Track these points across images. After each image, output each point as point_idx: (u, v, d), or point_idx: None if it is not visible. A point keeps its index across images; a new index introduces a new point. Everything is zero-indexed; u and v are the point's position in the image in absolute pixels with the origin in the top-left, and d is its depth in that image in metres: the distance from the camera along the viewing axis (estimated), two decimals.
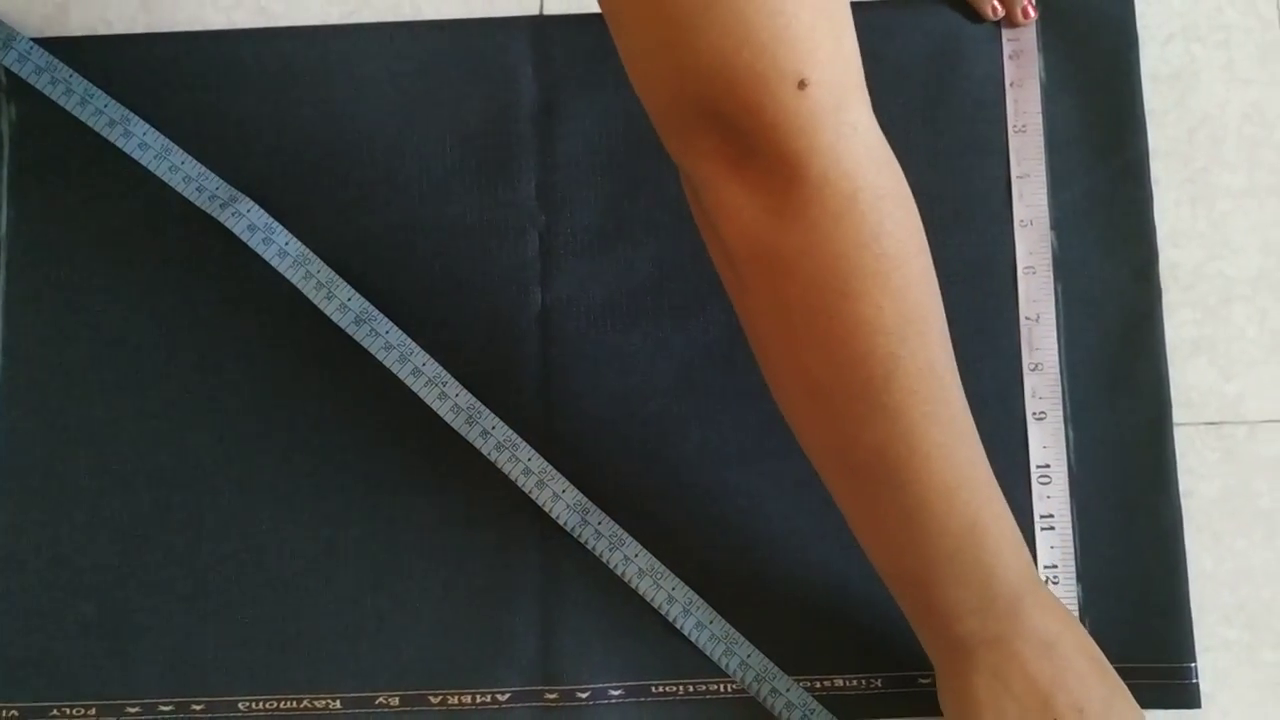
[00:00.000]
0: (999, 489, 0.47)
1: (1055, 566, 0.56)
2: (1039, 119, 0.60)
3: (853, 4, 0.60)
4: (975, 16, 0.61)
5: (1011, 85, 0.60)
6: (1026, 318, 0.58)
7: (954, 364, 0.45)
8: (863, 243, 0.40)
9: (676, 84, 0.39)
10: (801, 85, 0.38)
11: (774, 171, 0.40)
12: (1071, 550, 0.56)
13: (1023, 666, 0.46)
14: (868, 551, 0.48)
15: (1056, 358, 0.58)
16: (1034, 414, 0.58)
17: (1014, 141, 0.60)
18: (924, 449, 0.43)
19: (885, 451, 0.44)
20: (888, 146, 0.42)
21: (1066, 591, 0.56)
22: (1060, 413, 0.57)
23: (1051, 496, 0.57)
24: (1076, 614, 0.56)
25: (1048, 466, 0.57)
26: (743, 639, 0.56)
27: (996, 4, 0.60)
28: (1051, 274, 0.58)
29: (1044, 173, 0.59)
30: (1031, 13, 0.60)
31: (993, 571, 0.46)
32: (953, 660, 0.48)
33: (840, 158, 0.39)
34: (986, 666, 0.47)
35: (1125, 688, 0.48)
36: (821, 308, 0.42)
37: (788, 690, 0.56)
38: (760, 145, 0.39)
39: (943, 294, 0.58)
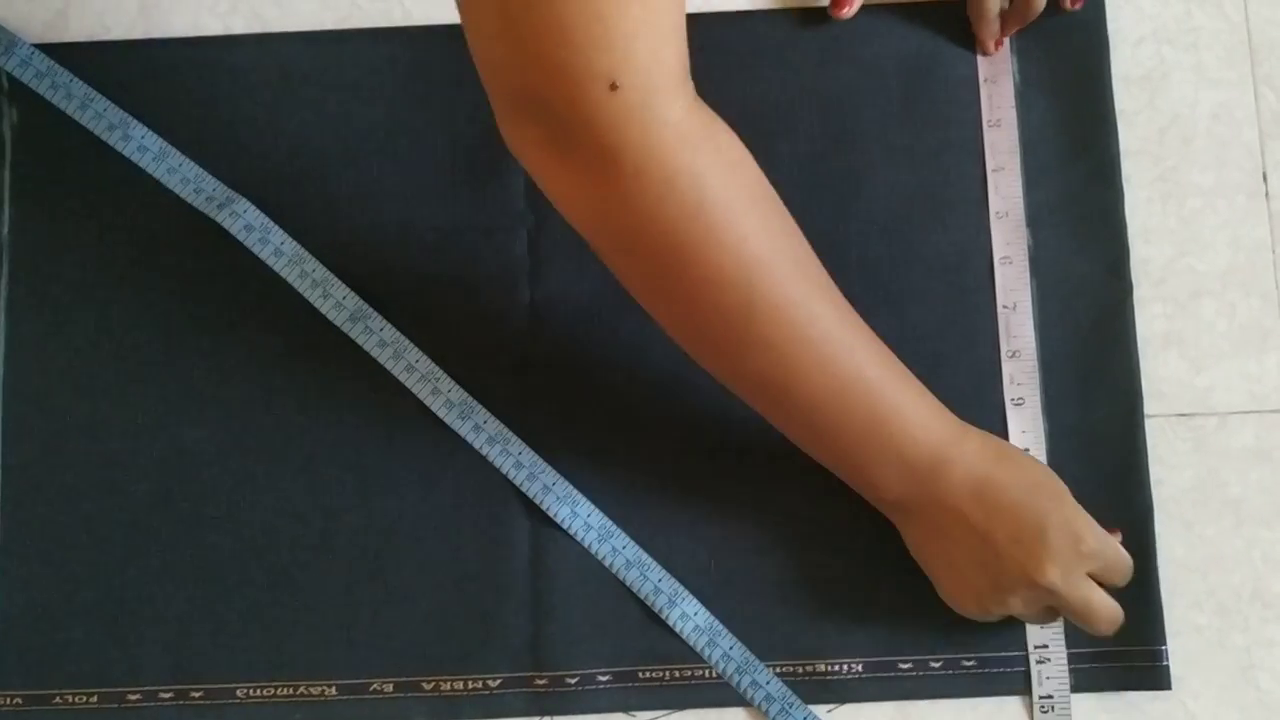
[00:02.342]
0: (899, 372, 0.51)
1: None
2: (1013, 113, 0.61)
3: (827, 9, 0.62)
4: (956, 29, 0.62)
5: (985, 81, 0.62)
6: (1004, 306, 0.60)
7: (819, 285, 0.49)
8: (688, 216, 0.44)
9: (505, 74, 0.43)
10: (613, 87, 0.41)
11: (593, 163, 0.43)
12: None
13: (958, 517, 0.51)
14: (799, 446, 0.53)
15: (1034, 345, 0.59)
16: (1012, 400, 0.59)
17: (988, 136, 0.61)
18: (801, 368, 0.49)
19: (768, 377, 0.49)
20: (711, 123, 0.45)
21: None
22: (1038, 399, 0.59)
23: None
24: None
25: (1027, 451, 0.58)
26: (726, 631, 0.58)
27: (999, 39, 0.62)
28: (1027, 264, 0.60)
29: (1018, 165, 0.61)
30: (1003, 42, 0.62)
31: (906, 448, 0.51)
32: (902, 521, 0.55)
33: (652, 149, 0.43)
34: (926, 521, 0.53)
35: (1064, 506, 0.52)
36: (667, 272, 0.47)
37: (768, 683, 0.57)
38: (579, 138, 0.43)
39: (923, 286, 0.60)
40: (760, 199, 0.47)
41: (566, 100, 0.41)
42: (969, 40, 0.62)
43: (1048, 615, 0.53)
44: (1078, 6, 0.61)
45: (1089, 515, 0.52)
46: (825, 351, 0.49)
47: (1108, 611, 0.52)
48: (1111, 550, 0.52)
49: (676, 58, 0.43)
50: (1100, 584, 0.52)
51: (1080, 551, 0.51)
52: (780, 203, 0.48)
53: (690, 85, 0.45)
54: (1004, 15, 0.61)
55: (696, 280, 0.46)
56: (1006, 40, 0.62)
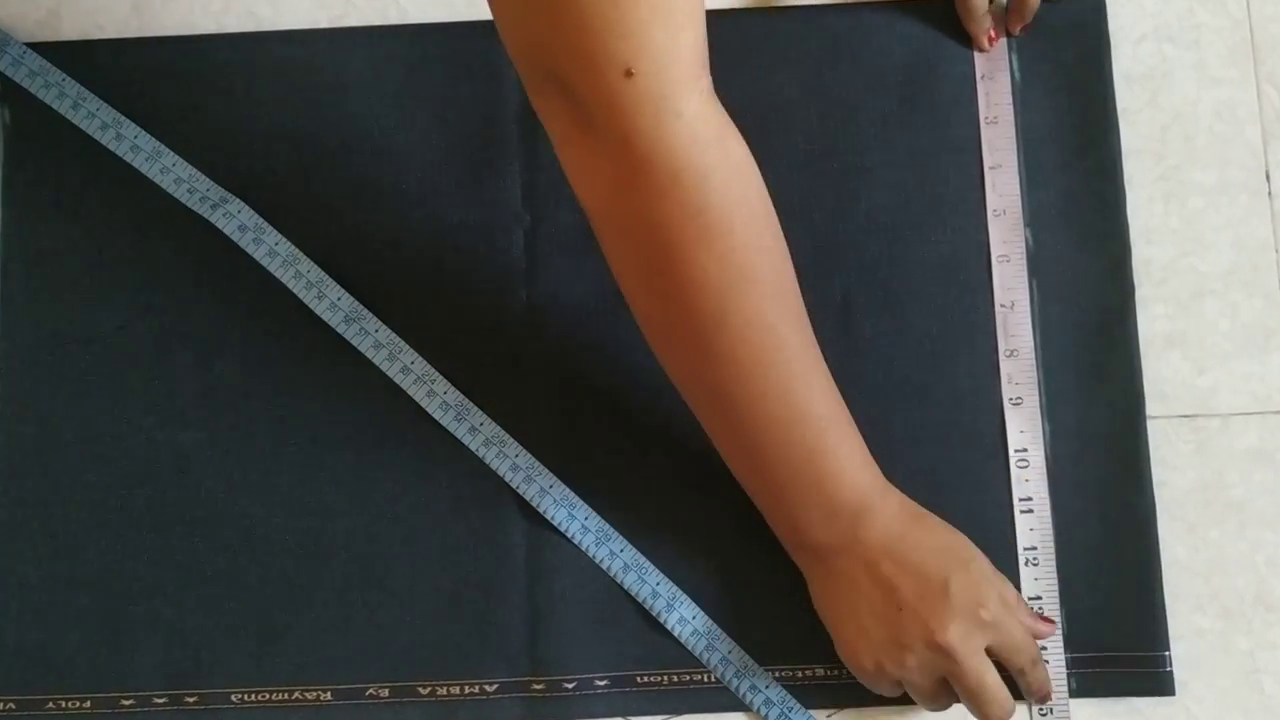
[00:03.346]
0: (842, 416, 0.52)
1: (1035, 548, 0.57)
2: (1010, 111, 0.61)
3: (830, 7, 0.62)
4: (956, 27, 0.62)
5: (983, 78, 0.61)
6: (1001, 305, 0.59)
7: (792, 313, 0.49)
8: (687, 215, 0.45)
9: (529, 53, 0.44)
10: (628, 74, 0.41)
11: (607, 144, 0.44)
12: (1050, 533, 0.57)
13: (869, 567, 0.52)
14: (731, 470, 0.54)
15: (1032, 344, 0.59)
16: (1010, 399, 0.59)
17: (986, 133, 0.61)
18: (758, 389, 0.49)
19: (723, 390, 0.49)
20: (724, 126, 0.46)
21: (1046, 573, 0.57)
22: (1036, 399, 0.58)
23: (1030, 480, 0.58)
24: (1056, 600, 0.57)
25: (1025, 451, 0.58)
26: (724, 635, 0.57)
27: (992, 34, 0.61)
28: (1025, 263, 0.60)
29: (1015, 163, 0.60)
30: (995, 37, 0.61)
31: (833, 492, 0.51)
32: (811, 566, 0.54)
33: (661, 141, 0.43)
34: (839, 571, 0.53)
35: (970, 570, 0.52)
36: (653, 265, 0.47)
37: (767, 688, 0.57)
38: (596, 119, 0.43)
39: (921, 285, 0.60)
40: (758, 213, 0.48)
41: (585, 84, 0.42)
42: (967, 38, 0.62)
43: (940, 690, 0.52)
44: None
45: (1004, 586, 0.52)
46: (783, 379, 0.49)
47: (1000, 694, 0.51)
48: (1013, 625, 0.52)
49: (693, 48, 0.43)
50: (1000, 665, 0.52)
51: (979, 617, 0.51)
52: (775, 221, 0.49)
53: (708, 80, 0.45)
54: (1006, 11, 0.61)
55: (678, 279, 0.47)
56: (1004, 38, 0.61)
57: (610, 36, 0.41)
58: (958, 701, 0.53)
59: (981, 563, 0.52)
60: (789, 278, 0.49)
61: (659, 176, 0.44)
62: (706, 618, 0.57)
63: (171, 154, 0.61)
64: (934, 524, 0.53)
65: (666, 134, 0.43)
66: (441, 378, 0.59)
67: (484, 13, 0.45)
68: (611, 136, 0.43)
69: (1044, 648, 0.56)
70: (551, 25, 0.41)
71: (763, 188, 0.48)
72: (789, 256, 0.49)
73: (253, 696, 0.57)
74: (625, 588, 0.58)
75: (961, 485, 0.58)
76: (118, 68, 0.62)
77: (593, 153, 0.45)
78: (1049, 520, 0.58)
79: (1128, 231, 0.60)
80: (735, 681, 0.57)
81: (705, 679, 0.57)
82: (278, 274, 0.60)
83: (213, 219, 0.60)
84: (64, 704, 0.58)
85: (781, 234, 0.49)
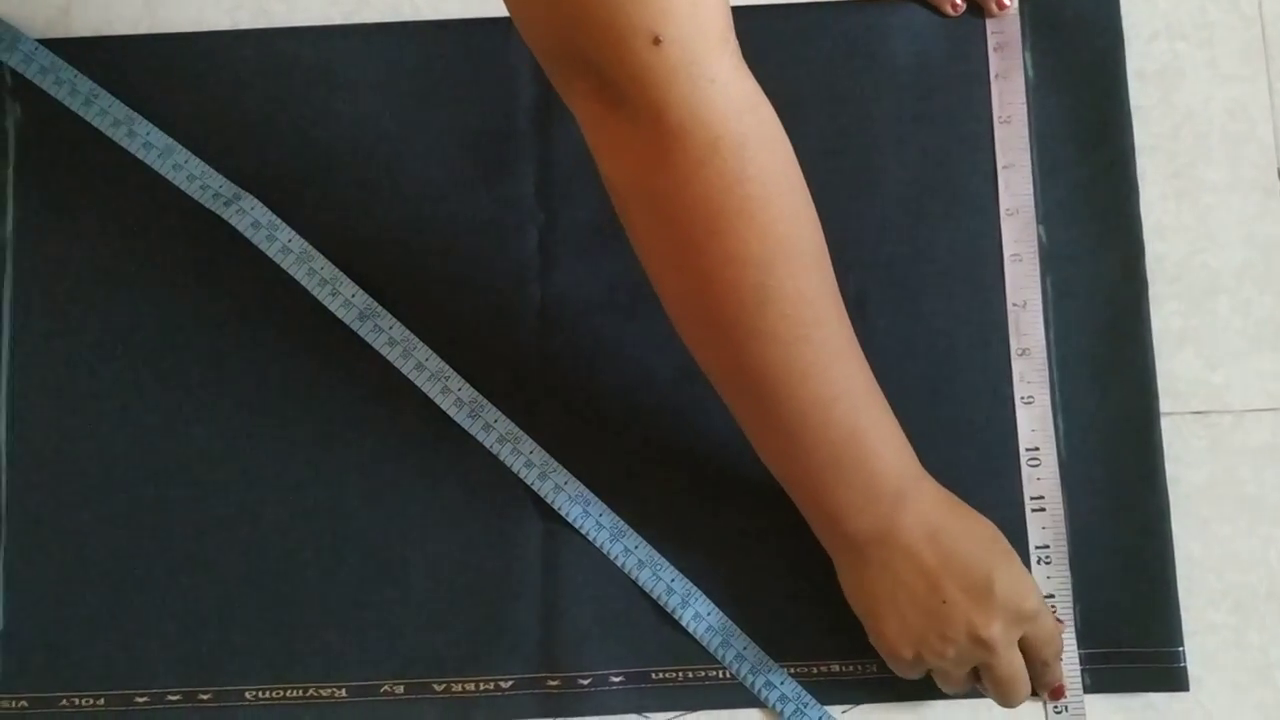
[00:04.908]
0: (879, 397, 0.51)
1: (1047, 547, 0.57)
2: (1024, 110, 0.61)
3: (845, 4, 0.62)
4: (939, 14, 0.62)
5: (996, 77, 0.61)
6: (1014, 304, 0.59)
7: (829, 287, 0.48)
8: (726, 186, 0.44)
9: (548, 32, 0.43)
10: (656, 42, 0.40)
11: (640, 119, 0.43)
12: (1063, 531, 0.57)
13: (910, 557, 0.50)
14: (763, 460, 0.52)
15: (1044, 343, 0.59)
16: (1022, 398, 0.59)
17: (999, 132, 0.61)
18: (799, 368, 0.47)
19: (764, 371, 0.48)
20: (756, 94, 0.45)
21: (1059, 571, 0.57)
22: (1049, 397, 0.59)
23: (1042, 479, 0.58)
24: (1069, 598, 0.57)
25: (1037, 449, 0.58)
26: (739, 631, 0.57)
27: (957, 0, 0.61)
28: (1038, 262, 0.60)
29: (1029, 162, 0.60)
30: (1006, 2, 0.61)
31: (874, 473, 0.50)
32: (848, 556, 0.53)
33: (697, 109, 0.42)
34: (877, 560, 0.51)
35: (1012, 564, 0.52)
36: (691, 242, 0.45)
37: (782, 684, 0.57)
38: (626, 94, 0.42)
39: (934, 284, 0.60)
40: (795, 184, 0.46)
41: (611, 57, 0.41)
42: (981, 36, 0.62)
43: (967, 680, 0.53)
44: None
45: (1032, 579, 0.52)
46: (825, 355, 0.48)
47: (1026, 686, 0.52)
48: (1049, 617, 0.52)
49: (719, 10, 0.42)
50: (1025, 655, 0.52)
51: (1022, 611, 0.51)
52: (807, 191, 0.47)
53: (735, 44, 0.44)
54: None
55: (718, 255, 0.45)
56: (1019, 35, 0.61)
57: (633, 5, 0.40)
58: (976, 686, 0.53)
59: (1015, 555, 0.52)
60: (825, 251, 0.48)
61: (696, 146, 0.43)
62: (721, 614, 0.57)
63: (184, 150, 0.61)
64: (970, 513, 0.53)
65: (702, 100, 0.42)
66: (455, 374, 0.59)
67: (499, 9, 0.44)
68: (644, 109, 0.42)
69: None
70: (572, 1, 0.40)
71: (794, 158, 0.46)
72: (821, 228, 0.48)
73: (267, 694, 0.57)
74: (639, 584, 0.58)
75: (973, 484, 0.57)
76: (130, 64, 0.62)
77: (625, 130, 0.43)
78: (1062, 518, 0.58)
79: (1140, 228, 0.60)
80: (750, 677, 0.57)
81: (720, 675, 0.57)
82: (291, 271, 0.60)
83: (226, 216, 0.60)
84: (77, 701, 0.57)
85: (813, 204, 0.48)
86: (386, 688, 0.57)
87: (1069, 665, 0.56)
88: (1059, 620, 0.54)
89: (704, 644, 0.57)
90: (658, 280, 0.49)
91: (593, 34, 0.41)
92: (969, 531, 0.51)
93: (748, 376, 0.49)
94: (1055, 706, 0.56)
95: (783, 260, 0.46)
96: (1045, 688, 0.54)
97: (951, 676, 0.52)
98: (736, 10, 0.61)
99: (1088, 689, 0.57)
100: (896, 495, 0.50)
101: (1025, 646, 0.52)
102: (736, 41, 0.44)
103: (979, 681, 0.53)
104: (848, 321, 0.49)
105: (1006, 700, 0.52)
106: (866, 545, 0.51)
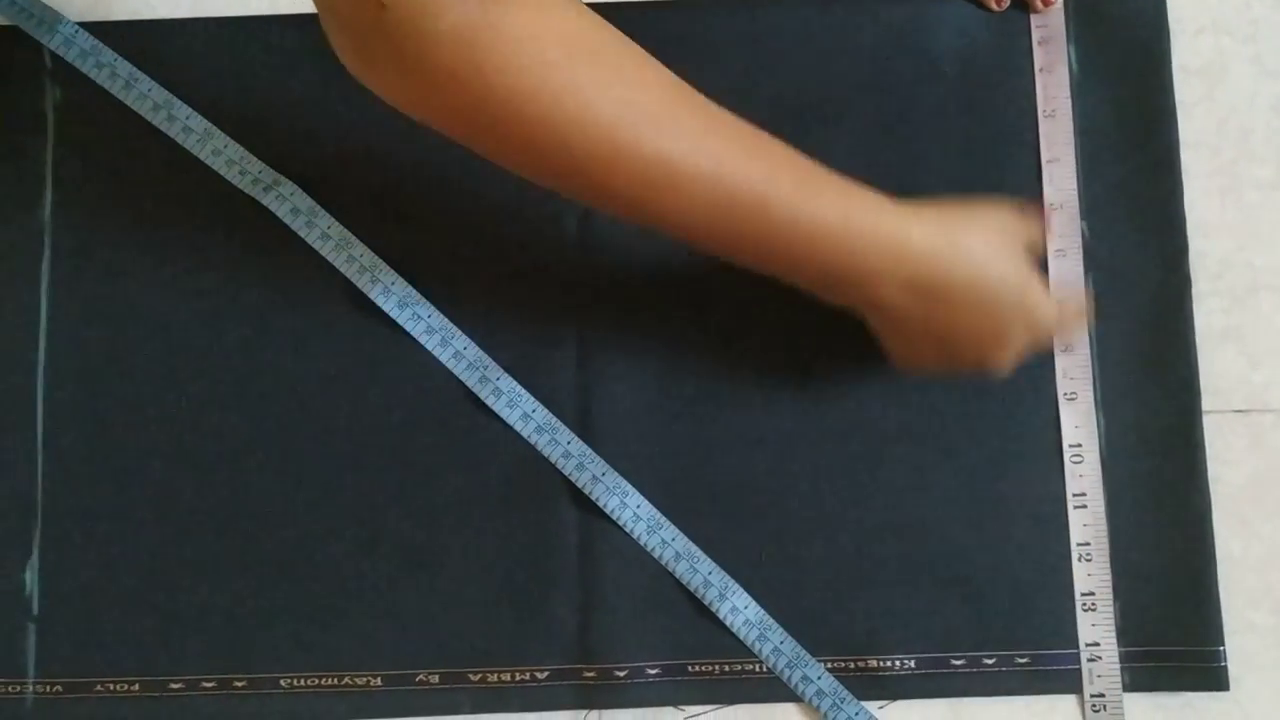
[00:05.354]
0: (802, 189, 0.48)
1: (1088, 544, 0.57)
2: (1068, 104, 0.60)
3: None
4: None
5: (1041, 71, 0.61)
6: (1057, 300, 0.59)
7: (673, 106, 0.46)
8: (474, 106, 0.45)
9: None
10: (380, 6, 0.42)
11: (389, 67, 0.44)
12: (1104, 529, 0.57)
13: (914, 323, 0.51)
14: (738, 262, 0.50)
15: (1087, 339, 0.59)
16: (1065, 395, 0.58)
17: (1044, 126, 0.61)
18: (694, 198, 0.46)
19: (666, 216, 0.47)
20: (493, 13, 0.43)
21: (1099, 569, 0.57)
22: (1091, 395, 0.58)
23: (1084, 475, 0.58)
24: (1109, 596, 0.57)
25: (1079, 446, 0.58)
26: (776, 625, 0.57)
27: None
28: (1081, 257, 0.59)
29: (1073, 157, 0.60)
30: None
31: (826, 264, 0.49)
32: (856, 305, 0.52)
33: (426, 55, 0.43)
34: (881, 320, 0.52)
35: (1024, 287, 0.51)
36: (485, 149, 0.47)
37: (819, 678, 0.56)
38: (373, 47, 0.44)
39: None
40: (561, 59, 0.45)
41: (349, 16, 0.44)
42: (1025, 29, 0.61)
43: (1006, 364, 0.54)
44: None
45: (1043, 290, 0.52)
46: (707, 166, 0.46)
47: (1069, 315, 0.56)
48: (1049, 310, 0.52)
49: None
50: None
51: (1036, 340, 0.52)
52: (628, 50, 0.46)
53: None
54: None
55: (516, 151, 0.47)
56: (1064, 29, 0.61)
57: None
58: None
59: (1025, 267, 0.51)
60: (651, 81, 0.46)
61: (437, 85, 0.44)
62: (758, 607, 0.57)
63: (223, 136, 0.60)
64: (971, 244, 0.50)
65: (428, 49, 0.43)
66: (493, 363, 0.59)
67: None
68: (388, 60, 0.44)
69: (1098, 643, 0.56)
70: None
71: (565, 27, 0.45)
72: (638, 56, 0.46)
73: (302, 682, 0.57)
74: (677, 576, 0.57)
75: (1015, 480, 0.58)
76: (170, 48, 0.61)
77: (381, 74, 0.45)
78: (1103, 516, 0.57)
79: (1184, 225, 0.60)
80: (787, 672, 0.57)
81: (757, 669, 0.57)
82: (330, 258, 0.59)
83: (265, 201, 0.60)
84: (112, 687, 0.57)
85: (616, 45, 0.46)
86: (421, 677, 0.57)
87: (1108, 664, 0.56)
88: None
89: (741, 637, 0.57)
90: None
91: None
92: (974, 277, 0.50)
93: (661, 224, 0.48)
94: (1094, 705, 0.56)
95: (585, 131, 0.45)
96: None
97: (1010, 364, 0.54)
98: (781, 4, 0.61)
99: (1127, 687, 0.56)
100: (870, 274, 0.49)
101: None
102: None
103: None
104: (720, 127, 0.47)
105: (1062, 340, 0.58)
106: (862, 309, 0.52)
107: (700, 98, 0.47)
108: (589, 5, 0.46)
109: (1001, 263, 0.51)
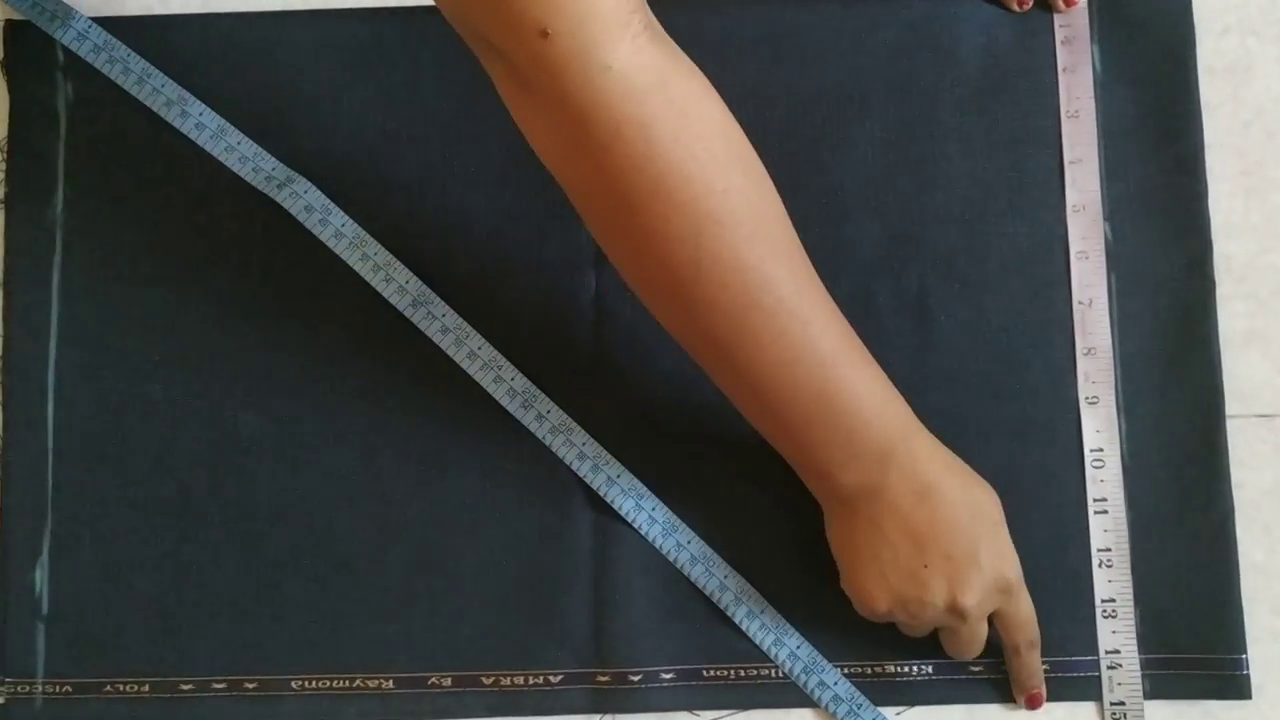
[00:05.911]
0: (855, 353, 0.49)
1: (1109, 550, 0.56)
2: (1092, 104, 0.60)
3: None
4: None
5: (1064, 71, 0.60)
6: (1079, 302, 0.58)
7: (779, 250, 0.47)
8: (635, 167, 0.44)
9: (458, 18, 0.44)
10: (543, 35, 0.41)
11: (547, 104, 0.43)
12: (1125, 535, 0.56)
13: (897, 516, 0.50)
14: (750, 420, 0.52)
15: (1110, 342, 0.58)
16: (1087, 398, 0.58)
17: (1066, 127, 0.60)
18: (750, 333, 0.47)
19: (713, 337, 0.48)
20: (668, 67, 0.44)
21: (1120, 575, 0.56)
22: (1113, 399, 0.57)
23: (1105, 480, 0.57)
24: (1130, 602, 0.56)
25: (1101, 451, 0.57)
26: (793, 629, 0.56)
27: None
28: (1104, 259, 0.59)
29: (1096, 158, 0.59)
30: None
31: (853, 431, 0.49)
32: (836, 507, 0.53)
33: (595, 95, 0.42)
34: (864, 515, 0.51)
35: (999, 535, 0.52)
36: (614, 220, 0.46)
37: (835, 684, 0.56)
38: (530, 80, 0.43)
39: (998, 279, 0.59)
40: (719, 155, 0.45)
41: (509, 46, 0.42)
42: (1048, 28, 0.60)
43: (924, 629, 0.54)
44: None
45: (1015, 555, 0.52)
46: (776, 320, 0.47)
47: (980, 648, 0.54)
48: (1027, 600, 0.53)
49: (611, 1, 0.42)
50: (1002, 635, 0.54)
51: (1000, 584, 0.51)
52: (751, 158, 0.47)
53: (640, 21, 0.43)
54: None
55: (640, 232, 0.45)
56: (1087, 29, 0.60)
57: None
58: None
59: (1004, 526, 0.52)
60: (772, 215, 0.47)
61: (599, 132, 0.43)
62: (775, 612, 0.56)
63: (237, 132, 0.60)
64: (966, 475, 0.52)
65: (596, 90, 0.42)
66: (508, 364, 0.58)
67: None
68: (547, 96, 0.43)
69: (1118, 650, 0.56)
70: None
71: (727, 125, 0.46)
72: (772, 191, 0.47)
73: (313, 684, 0.57)
74: (692, 580, 0.57)
75: (1035, 484, 0.57)
76: (183, 43, 0.61)
77: (536, 111, 0.44)
78: (1124, 521, 0.57)
79: (1209, 227, 0.59)
80: (803, 677, 0.56)
81: (773, 674, 0.56)
82: (344, 256, 0.59)
83: (278, 198, 0.59)
84: (122, 688, 0.57)
85: (759, 167, 0.47)
86: (434, 679, 0.57)
87: (1129, 671, 0.55)
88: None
89: (756, 642, 0.56)
90: (604, 249, 0.49)
91: (491, 23, 0.42)
92: (962, 498, 0.51)
93: (701, 341, 0.49)
94: (1114, 713, 0.55)
95: (712, 232, 0.45)
96: (1021, 688, 0.55)
97: (918, 632, 0.54)
98: (803, 2, 0.61)
99: (1147, 695, 0.56)
100: (883, 452, 0.50)
101: (1000, 626, 0.53)
102: (647, 16, 0.43)
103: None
104: (811, 282, 0.48)
105: (958, 656, 0.54)
106: (855, 499, 0.51)
107: (801, 247, 0.48)
108: None
109: (985, 497, 0.52)
